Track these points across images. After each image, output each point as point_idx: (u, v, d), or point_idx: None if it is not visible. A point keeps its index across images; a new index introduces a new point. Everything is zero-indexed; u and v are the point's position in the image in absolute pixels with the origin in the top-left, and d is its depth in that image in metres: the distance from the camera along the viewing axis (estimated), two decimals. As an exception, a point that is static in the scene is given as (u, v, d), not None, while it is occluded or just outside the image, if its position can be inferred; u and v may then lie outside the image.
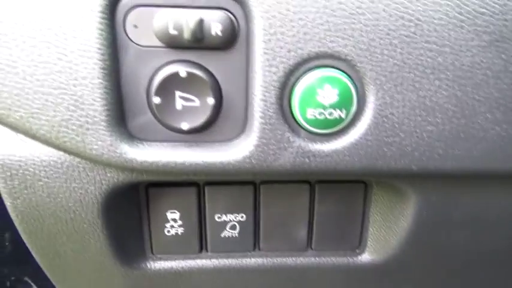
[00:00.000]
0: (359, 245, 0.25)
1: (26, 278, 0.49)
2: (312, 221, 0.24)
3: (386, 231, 0.24)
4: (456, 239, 0.23)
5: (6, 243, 0.49)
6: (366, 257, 0.25)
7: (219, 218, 0.23)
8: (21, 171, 0.19)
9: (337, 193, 0.23)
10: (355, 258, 0.25)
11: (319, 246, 0.24)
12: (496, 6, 0.16)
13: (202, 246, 0.24)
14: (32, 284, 0.49)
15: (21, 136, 0.19)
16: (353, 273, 0.25)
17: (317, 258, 0.25)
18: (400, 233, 0.23)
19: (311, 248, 0.25)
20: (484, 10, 0.16)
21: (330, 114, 0.17)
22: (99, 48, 0.16)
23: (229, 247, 0.24)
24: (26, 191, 0.20)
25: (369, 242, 0.25)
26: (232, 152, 0.18)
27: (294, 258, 0.25)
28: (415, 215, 0.22)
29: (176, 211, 0.23)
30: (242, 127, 0.18)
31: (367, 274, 0.25)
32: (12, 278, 0.50)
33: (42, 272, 0.27)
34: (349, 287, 0.26)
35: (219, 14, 0.17)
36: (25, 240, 0.22)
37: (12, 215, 0.20)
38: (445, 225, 0.22)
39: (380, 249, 0.24)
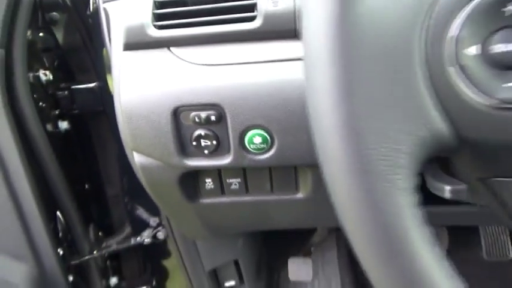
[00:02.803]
0: (296, 189, 0.52)
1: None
2: (272, 182, 0.51)
3: (308, 183, 0.50)
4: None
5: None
6: (300, 195, 0.52)
7: (229, 180, 0.51)
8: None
9: (283, 170, 0.50)
10: (295, 195, 0.52)
11: (277, 191, 0.52)
12: None
13: (222, 192, 0.52)
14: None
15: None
16: (294, 203, 0.53)
17: (276, 196, 0.53)
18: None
19: (272, 192, 0.52)
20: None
21: (259, 146, 0.44)
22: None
23: (235, 193, 0.52)
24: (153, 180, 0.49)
25: (301, 188, 0.52)
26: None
27: (264, 197, 0.53)
28: (311, 180, 0.48)
29: (211, 180, 0.51)
30: (229, 152, 0.45)
31: (302, 204, 0.53)
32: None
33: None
34: (293, 210, 0.54)
35: (214, 112, 0.43)
36: (151, 194, 0.52)
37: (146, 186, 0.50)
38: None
39: (306, 191, 0.51)
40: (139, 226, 0.81)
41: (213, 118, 0.42)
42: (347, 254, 1.05)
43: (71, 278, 0.72)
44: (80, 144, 0.78)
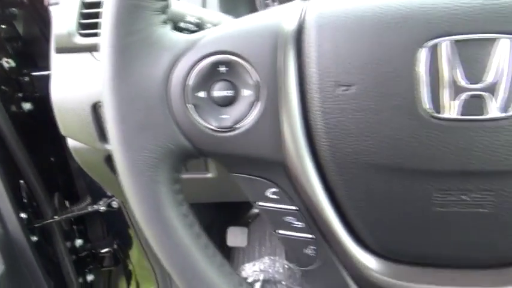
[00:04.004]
0: (206, 170, 0.62)
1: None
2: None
3: (214, 165, 0.61)
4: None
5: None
6: (209, 174, 0.63)
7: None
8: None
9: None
10: (206, 175, 0.63)
11: (190, 170, 0.63)
12: None
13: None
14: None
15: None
16: (207, 181, 0.63)
17: (190, 175, 0.63)
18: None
19: (187, 171, 0.63)
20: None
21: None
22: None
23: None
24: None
25: (210, 169, 0.62)
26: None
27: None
28: (215, 163, 0.59)
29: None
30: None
31: (213, 181, 0.63)
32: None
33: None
34: (207, 187, 0.64)
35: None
36: (88, 172, 0.63)
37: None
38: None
39: (214, 172, 0.62)
40: (98, 195, 0.93)
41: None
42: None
43: (34, 239, 0.84)
44: (44, 123, 0.89)
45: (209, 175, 0.62)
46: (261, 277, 1.07)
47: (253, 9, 0.65)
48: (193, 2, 0.52)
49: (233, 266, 1.11)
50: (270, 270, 1.08)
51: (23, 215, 0.79)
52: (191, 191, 0.67)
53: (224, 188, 0.65)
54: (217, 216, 1.07)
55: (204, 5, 0.53)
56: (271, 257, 1.08)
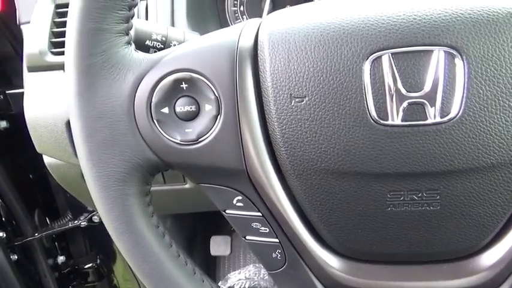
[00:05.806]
0: (184, 181, 0.63)
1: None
2: (164, 176, 0.63)
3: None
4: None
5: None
6: (187, 185, 0.64)
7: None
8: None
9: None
10: (184, 186, 0.64)
11: (169, 182, 0.64)
12: None
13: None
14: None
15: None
16: (185, 192, 0.65)
17: (169, 186, 0.64)
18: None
19: (165, 183, 0.64)
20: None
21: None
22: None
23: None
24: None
25: (188, 180, 0.63)
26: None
27: (160, 187, 0.64)
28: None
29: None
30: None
31: (190, 192, 0.65)
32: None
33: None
34: (185, 197, 0.65)
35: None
36: (66, 188, 0.63)
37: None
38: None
39: (192, 183, 0.63)
40: (79, 211, 0.93)
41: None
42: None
43: (15, 257, 0.83)
44: (21, 140, 0.88)
45: (187, 186, 0.63)
46: (247, 285, 1.08)
47: (223, 22, 0.67)
48: (162, 19, 0.54)
49: (219, 275, 1.12)
50: (256, 278, 1.09)
51: (1, 234, 0.79)
52: (171, 202, 0.68)
53: (202, 198, 0.66)
54: (201, 226, 1.07)
55: (172, 22, 0.54)
56: (256, 265, 1.09)
